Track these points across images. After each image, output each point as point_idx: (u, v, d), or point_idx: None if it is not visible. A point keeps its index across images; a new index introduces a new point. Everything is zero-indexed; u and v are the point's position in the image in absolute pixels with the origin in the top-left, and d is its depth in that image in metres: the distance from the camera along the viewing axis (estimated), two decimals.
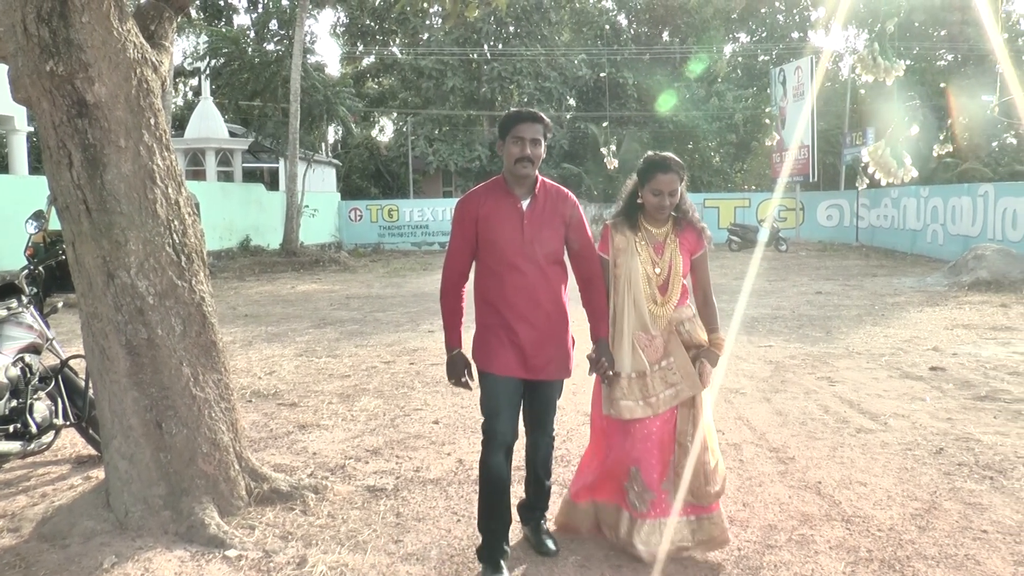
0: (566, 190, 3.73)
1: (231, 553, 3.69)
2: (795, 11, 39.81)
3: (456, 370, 3.63)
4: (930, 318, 10.75)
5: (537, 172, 3.60)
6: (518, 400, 3.65)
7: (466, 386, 3.65)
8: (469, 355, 3.66)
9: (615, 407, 3.65)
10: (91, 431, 4.99)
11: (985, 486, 4.55)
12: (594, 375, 3.74)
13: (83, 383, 4.96)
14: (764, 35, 40.80)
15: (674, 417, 3.68)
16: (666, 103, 35.45)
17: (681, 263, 3.68)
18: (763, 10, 39.26)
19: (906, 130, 2.84)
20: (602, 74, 37.26)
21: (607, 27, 39.70)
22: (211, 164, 26.59)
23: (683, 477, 3.63)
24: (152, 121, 3.98)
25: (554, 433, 3.87)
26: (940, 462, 4.97)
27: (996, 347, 8.60)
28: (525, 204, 3.58)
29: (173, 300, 4.00)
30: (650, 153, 3.72)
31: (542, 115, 3.56)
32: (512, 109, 3.67)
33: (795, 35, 39.93)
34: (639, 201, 3.71)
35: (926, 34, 34.45)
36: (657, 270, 3.67)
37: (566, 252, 3.69)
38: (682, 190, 3.65)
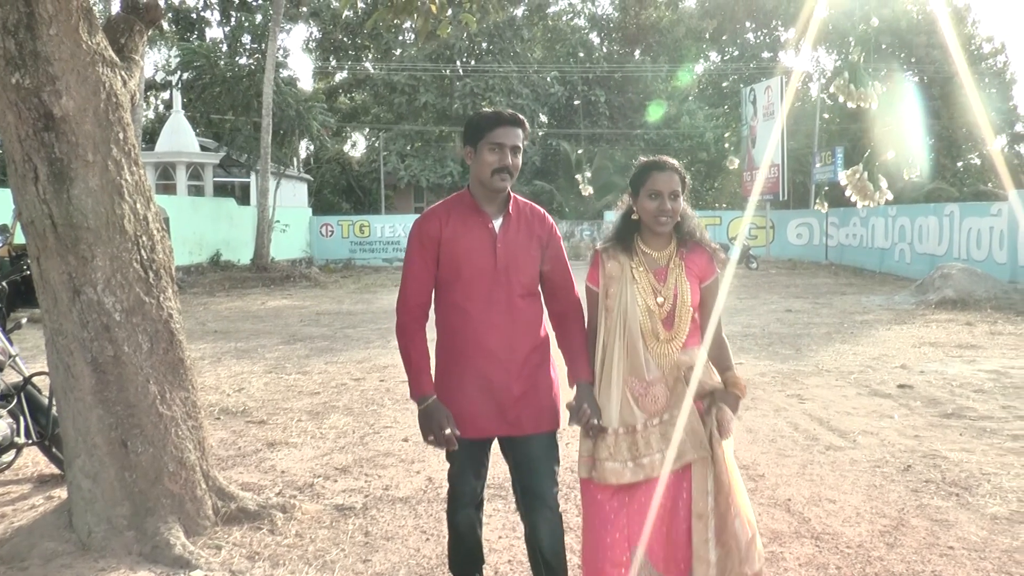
0: (541, 208, 3.18)
1: (196, 574, 3.63)
2: (765, 32, 40.41)
3: (434, 423, 2.90)
4: (898, 336, 10.88)
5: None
6: (486, 458, 3.12)
7: (450, 443, 2.90)
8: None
9: (597, 469, 2.92)
10: (54, 450, 4.90)
11: (951, 503, 4.59)
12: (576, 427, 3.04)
13: (46, 401, 4.88)
14: (735, 55, 41.33)
15: (685, 481, 2.93)
16: (656, 113, 35.73)
17: (689, 291, 2.99)
18: (743, 25, 39.79)
19: (882, 154, 2.88)
20: (576, 101, 37.52)
21: (579, 46, 40.04)
22: (182, 178, 26.37)
23: (708, 558, 2.87)
24: (121, 135, 3.94)
25: (559, 508, 3.10)
26: (908, 479, 5.01)
27: (962, 365, 8.72)
28: (497, 224, 2.99)
29: (140, 317, 3.94)
30: (642, 158, 3.14)
31: (523, 118, 3.00)
32: (484, 109, 3.11)
33: (765, 55, 40.50)
34: (634, 217, 3.06)
35: (893, 56, 35.06)
36: (660, 300, 2.96)
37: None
38: (686, 206, 3.06)
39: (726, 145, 34.57)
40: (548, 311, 3.14)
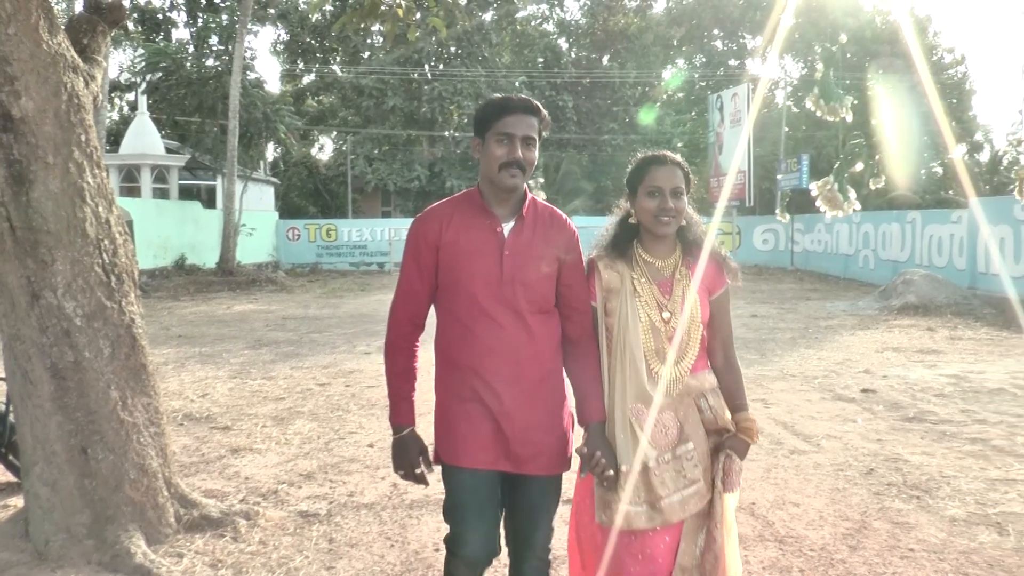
0: (562, 214, 2.75)
1: None
2: (732, 40, 40.82)
3: (406, 457, 2.65)
4: (862, 341, 11.02)
5: (526, 185, 2.67)
6: (497, 502, 2.64)
7: (421, 480, 2.67)
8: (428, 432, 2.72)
9: (607, 513, 2.56)
10: (11, 457, 4.79)
11: (912, 505, 4.66)
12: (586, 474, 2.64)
13: (3, 407, 4.78)
14: (703, 62, 41.70)
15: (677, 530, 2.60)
16: (648, 116, 35.90)
17: (699, 305, 2.64)
18: (711, 32, 40.17)
19: (851, 166, 2.92)
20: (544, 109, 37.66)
21: (548, 51, 40.19)
22: (146, 181, 26.02)
23: None
24: (83, 137, 3.88)
25: (549, 556, 2.78)
26: (870, 482, 5.07)
27: (923, 369, 8.85)
28: (507, 228, 2.61)
29: (102, 322, 3.88)
30: (639, 153, 2.81)
31: (538, 104, 2.62)
32: (495, 95, 2.71)
33: (733, 62, 40.90)
34: (632, 221, 2.71)
35: (858, 64, 35.56)
36: (665, 315, 2.61)
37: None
38: (692, 211, 2.73)
39: (678, 144, 34.97)
40: (562, 334, 2.72)
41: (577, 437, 2.73)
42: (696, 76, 38.65)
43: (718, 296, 2.71)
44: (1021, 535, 4.20)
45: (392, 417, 2.70)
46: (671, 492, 2.54)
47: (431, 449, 2.70)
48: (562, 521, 3.01)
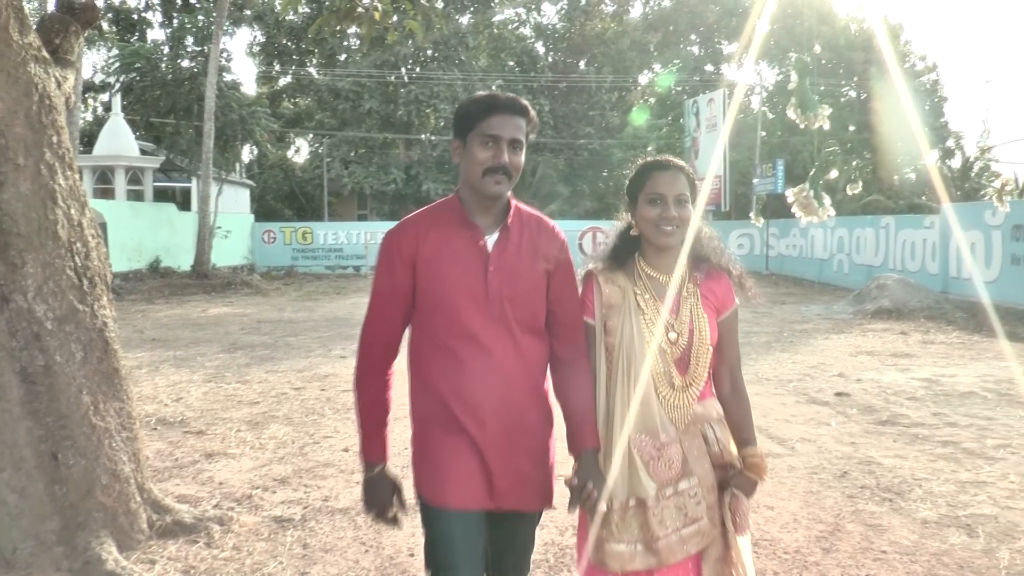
0: (549, 221, 2.51)
1: None
2: (708, 46, 41.09)
3: (377, 498, 2.45)
4: (836, 345, 11.11)
5: (511, 193, 2.43)
6: (483, 543, 2.39)
7: (394, 522, 2.48)
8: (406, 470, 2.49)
9: (598, 553, 2.36)
10: None
11: (885, 508, 4.71)
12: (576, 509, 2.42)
13: None
14: (679, 67, 41.95)
15: (692, 573, 2.40)
16: (640, 117, 36.02)
17: (708, 326, 2.42)
18: (687, 38, 40.43)
19: (826, 173, 2.97)
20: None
21: (524, 55, 40.27)
22: (121, 182, 25.78)
23: None
24: (54, 139, 3.84)
25: None
26: (844, 485, 5.11)
27: (896, 373, 8.94)
28: (491, 240, 2.36)
29: (73, 325, 3.84)
30: (640, 160, 2.57)
31: (526, 104, 2.38)
32: (478, 93, 2.50)
33: (709, 68, 41.16)
34: (633, 233, 2.49)
35: (832, 71, 35.93)
36: (672, 336, 2.40)
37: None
38: (702, 223, 2.53)
39: (650, 148, 35.18)
40: (552, 352, 2.49)
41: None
42: (673, 81, 38.85)
43: (727, 316, 2.49)
44: (990, 537, 4.26)
45: (363, 453, 2.47)
46: (669, 532, 2.31)
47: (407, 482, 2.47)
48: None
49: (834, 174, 2.94)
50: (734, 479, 2.43)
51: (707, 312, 2.43)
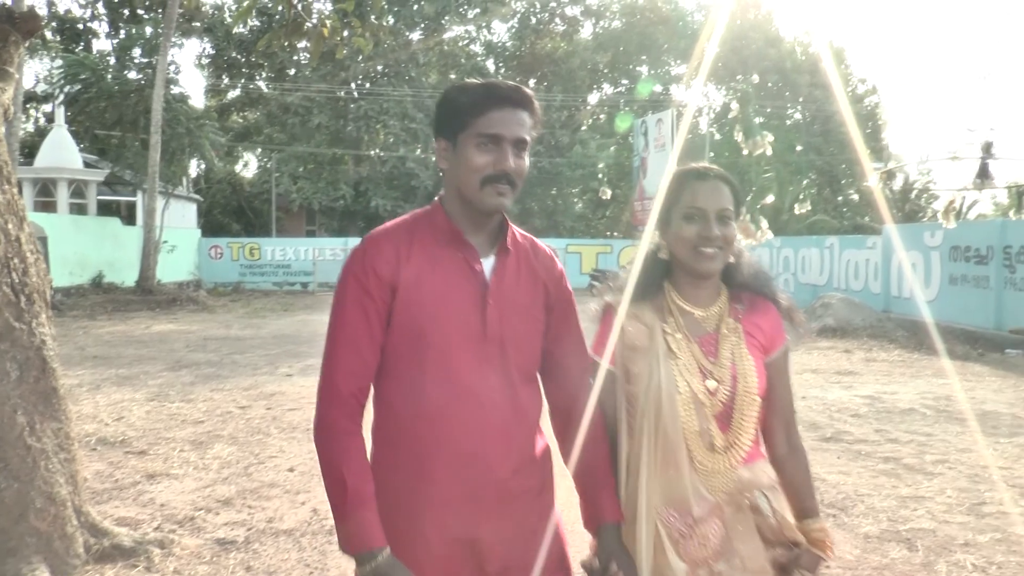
0: (543, 244, 2.06)
1: None
2: (657, 67, 41.66)
3: None
4: None
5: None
6: None
7: None
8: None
9: None
10: None
11: (829, 523, 4.73)
12: None
13: None
14: (628, 87, 42.45)
15: None
16: (623, 122, 36.18)
17: (754, 370, 1.94)
18: (637, 59, 40.94)
19: (763, 198, 3.06)
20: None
21: (475, 72, 40.41)
22: (63, 195, 25.18)
23: None
24: None
25: None
26: None
27: (840, 391, 9.12)
28: (489, 265, 1.88)
29: (9, 343, 3.74)
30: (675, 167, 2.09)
31: (531, 94, 1.88)
32: (471, 80, 2.00)
33: (658, 88, 41.73)
34: (662, 256, 2.02)
35: (779, 93, 36.72)
36: (711, 384, 1.92)
37: None
38: (742, 246, 2.06)
39: (600, 175, 35.53)
40: (549, 407, 2.02)
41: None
42: (621, 101, 39.28)
43: (776, 356, 2.01)
44: (928, 550, 4.35)
45: (352, 539, 1.77)
46: None
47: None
48: None
49: (770, 199, 3.05)
50: (800, 559, 1.95)
51: (752, 353, 1.96)
